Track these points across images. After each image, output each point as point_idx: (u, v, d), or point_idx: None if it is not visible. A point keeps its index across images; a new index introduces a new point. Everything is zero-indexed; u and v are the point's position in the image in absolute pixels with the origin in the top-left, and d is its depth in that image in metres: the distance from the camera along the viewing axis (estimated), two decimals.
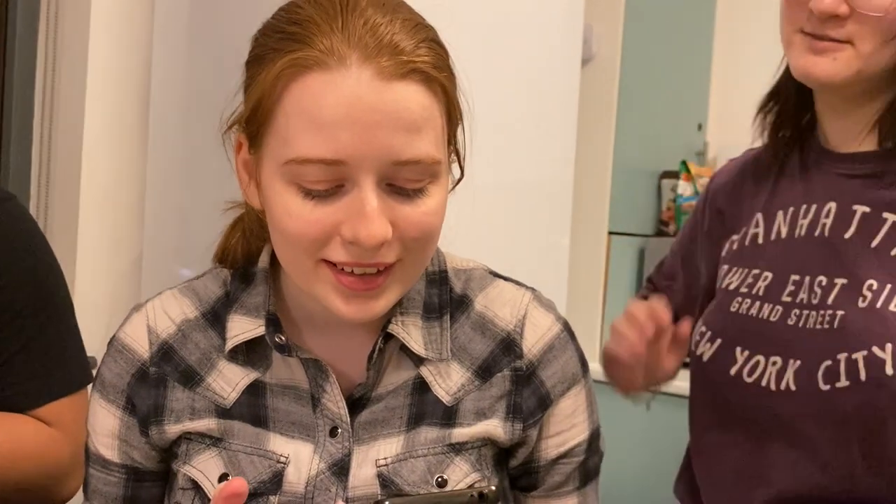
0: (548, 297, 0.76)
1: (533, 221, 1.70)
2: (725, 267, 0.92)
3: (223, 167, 1.58)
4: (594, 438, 0.75)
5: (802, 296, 0.82)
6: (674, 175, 2.25)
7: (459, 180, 0.68)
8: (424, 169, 0.60)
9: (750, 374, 0.83)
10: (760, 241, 0.90)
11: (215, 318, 0.71)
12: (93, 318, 1.54)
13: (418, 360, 0.70)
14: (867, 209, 0.81)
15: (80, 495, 0.79)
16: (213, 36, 1.57)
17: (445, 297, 0.72)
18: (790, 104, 0.88)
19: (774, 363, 0.81)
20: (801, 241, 0.85)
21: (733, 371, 0.84)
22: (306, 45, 0.58)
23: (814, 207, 0.85)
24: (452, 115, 0.64)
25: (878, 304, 0.77)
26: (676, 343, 0.91)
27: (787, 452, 0.81)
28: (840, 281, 0.80)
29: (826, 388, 0.77)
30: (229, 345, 0.69)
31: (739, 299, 0.87)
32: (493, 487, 0.61)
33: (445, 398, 0.69)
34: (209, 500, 0.67)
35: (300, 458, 0.68)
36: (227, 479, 0.67)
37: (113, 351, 0.72)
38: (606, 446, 0.78)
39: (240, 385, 0.69)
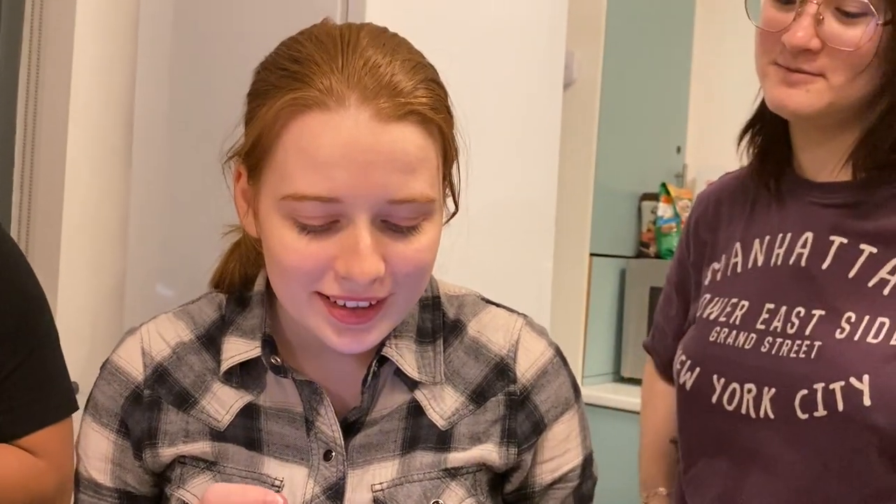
0: (539, 323, 0.77)
1: (516, 243, 1.71)
2: (707, 296, 0.93)
3: (207, 191, 1.59)
4: (588, 463, 0.76)
5: (777, 324, 0.83)
6: (654, 197, 2.28)
7: (454, 214, 0.69)
8: (418, 208, 0.61)
9: (729, 401, 0.84)
10: (739, 269, 0.90)
11: (210, 341, 0.71)
12: (75, 343, 1.53)
13: (412, 384, 0.70)
14: (844, 240, 0.82)
15: None
16: (197, 60, 1.58)
17: (439, 322, 0.72)
18: (768, 133, 0.89)
19: (749, 391, 0.82)
20: (776, 270, 0.86)
21: (714, 399, 0.85)
22: (306, 84, 0.59)
23: (789, 237, 0.86)
24: (448, 154, 0.65)
25: (857, 336, 0.78)
26: None
27: (768, 480, 0.82)
28: (818, 312, 0.81)
29: (804, 416, 0.78)
30: (225, 366, 0.69)
31: (718, 328, 0.88)
32: None
33: (440, 422, 0.70)
34: None
35: (294, 482, 0.68)
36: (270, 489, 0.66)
37: (106, 374, 0.72)
38: (599, 471, 0.78)
39: (234, 407, 0.69)
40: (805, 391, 0.78)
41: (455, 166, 0.67)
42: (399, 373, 0.69)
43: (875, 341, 0.77)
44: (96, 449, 0.71)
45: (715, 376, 0.85)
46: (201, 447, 0.69)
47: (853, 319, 0.79)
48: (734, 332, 0.86)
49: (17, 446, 0.89)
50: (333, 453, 0.68)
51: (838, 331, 0.79)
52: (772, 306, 0.84)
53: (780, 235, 0.87)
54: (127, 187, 1.72)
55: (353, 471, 0.68)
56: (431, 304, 0.73)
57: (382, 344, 0.69)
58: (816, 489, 0.79)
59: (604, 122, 2.14)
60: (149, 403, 0.70)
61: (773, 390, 0.80)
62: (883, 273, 0.79)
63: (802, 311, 0.82)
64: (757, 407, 0.81)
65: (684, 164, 2.48)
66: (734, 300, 0.89)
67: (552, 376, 0.74)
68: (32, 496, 0.88)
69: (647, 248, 2.30)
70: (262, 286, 0.72)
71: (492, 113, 1.60)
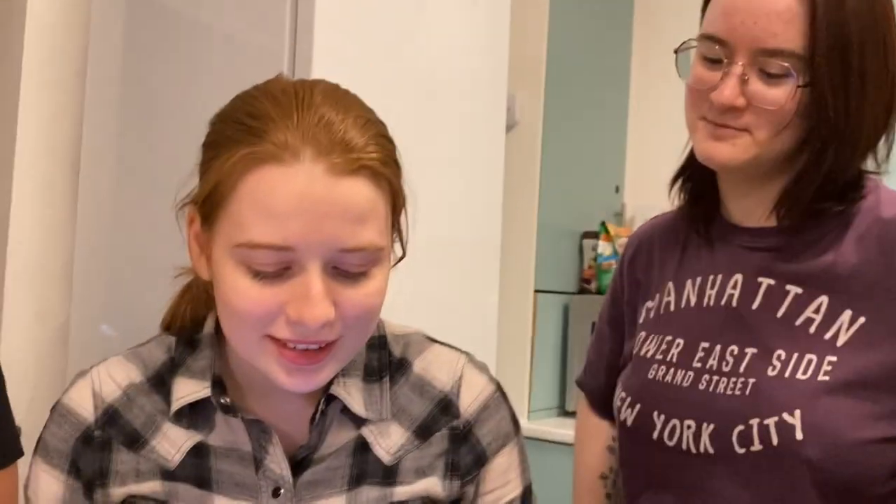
0: (481, 360, 0.80)
1: (463, 280, 1.74)
2: (643, 334, 0.95)
3: (152, 234, 1.59)
4: (527, 494, 0.79)
5: (712, 362, 0.86)
6: (594, 235, 2.34)
7: (401, 258, 0.72)
8: (368, 255, 0.63)
9: (670, 437, 0.86)
10: (672, 308, 0.93)
11: (160, 382, 0.73)
12: (19, 386, 1.50)
13: (359, 422, 0.72)
14: (771, 281, 0.85)
15: None
16: (144, 107, 1.59)
17: (385, 361, 0.75)
18: (697, 180, 0.93)
19: (689, 426, 0.84)
20: (709, 311, 0.89)
21: (655, 435, 0.87)
22: (262, 138, 0.61)
23: (720, 278, 0.89)
24: (397, 203, 0.68)
25: (787, 373, 0.81)
26: None
27: None
28: (750, 350, 0.84)
29: (742, 451, 0.80)
30: (175, 406, 0.71)
31: (655, 366, 0.91)
32: None
33: (385, 457, 0.72)
34: None
35: None
36: None
37: (56, 416, 0.73)
38: (538, 502, 0.81)
39: (184, 447, 0.70)
40: (742, 427, 0.80)
41: (403, 213, 0.70)
42: (346, 411, 0.72)
43: (804, 377, 0.80)
44: (47, 490, 0.72)
45: (655, 413, 0.88)
46: (152, 486, 0.70)
47: (783, 357, 0.82)
48: (672, 370, 0.89)
49: None
50: (282, 490, 0.70)
51: (770, 368, 0.82)
52: (706, 345, 0.87)
53: (712, 277, 0.90)
54: (72, 231, 1.70)
55: None
56: (378, 343, 0.76)
57: (330, 383, 0.71)
58: None
59: (546, 163, 2.19)
60: (100, 444, 0.71)
61: (712, 426, 0.82)
62: (808, 312, 0.82)
63: (736, 349, 0.85)
64: (697, 442, 0.83)
65: (623, 203, 2.54)
66: (669, 338, 0.91)
67: (493, 411, 0.77)
68: None
69: (589, 284, 2.35)
70: (212, 328, 0.73)
71: (437, 155, 1.64)
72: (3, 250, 1.64)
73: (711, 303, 0.89)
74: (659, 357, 0.91)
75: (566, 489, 1.93)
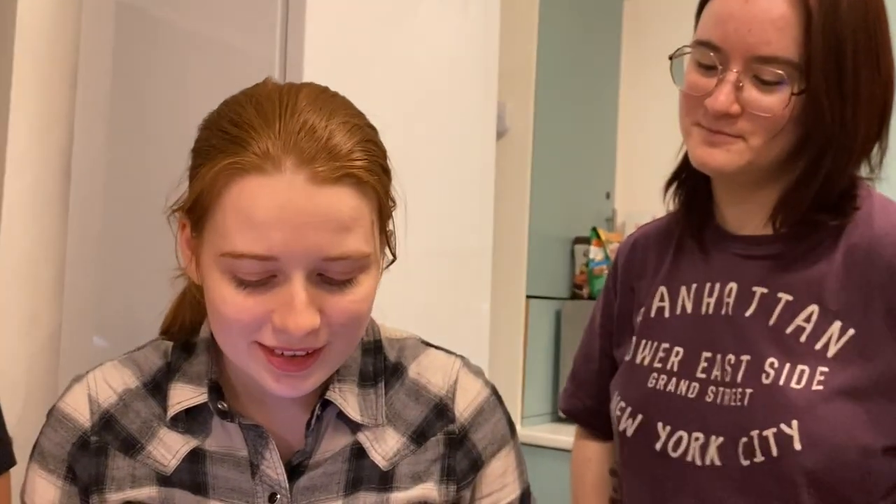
0: (476, 364, 0.80)
1: (454, 287, 1.74)
2: (635, 339, 0.95)
3: (143, 243, 1.58)
4: (525, 497, 0.79)
5: (716, 373, 0.85)
6: (585, 241, 2.35)
7: (392, 262, 0.71)
8: (353, 263, 0.63)
9: (674, 449, 0.85)
10: (666, 314, 0.92)
11: (156, 387, 0.73)
12: (10, 396, 1.49)
13: (355, 427, 0.72)
14: (765, 290, 0.85)
15: None
16: (135, 114, 1.59)
17: (380, 366, 0.75)
18: (691, 186, 0.93)
19: (697, 439, 0.84)
20: (708, 319, 0.88)
21: (658, 446, 0.86)
22: (244, 148, 0.61)
23: (717, 286, 0.89)
24: (384, 209, 0.67)
25: (781, 382, 0.81)
26: None
27: None
28: (745, 358, 0.84)
29: (746, 463, 0.80)
30: (171, 412, 0.71)
31: (655, 375, 0.90)
32: None
33: (382, 463, 0.72)
34: None
35: None
36: None
37: (53, 421, 0.73)
38: None
39: (180, 452, 0.70)
40: (745, 438, 0.81)
41: (392, 218, 0.69)
42: (342, 416, 0.72)
43: (798, 387, 0.80)
44: (43, 495, 0.72)
45: (660, 424, 0.87)
46: (148, 492, 0.70)
47: (776, 365, 0.82)
48: (674, 380, 0.88)
49: None
50: (278, 496, 0.70)
51: (763, 375, 0.82)
52: (709, 355, 0.87)
53: (709, 285, 0.90)
54: (63, 239, 1.70)
55: None
56: (373, 348, 0.76)
57: (326, 388, 0.71)
58: None
59: (536, 170, 2.21)
60: (96, 450, 0.71)
61: (721, 439, 0.82)
62: (799, 321, 0.83)
63: (733, 358, 0.85)
64: (703, 455, 0.83)
65: (613, 208, 2.56)
66: (665, 345, 0.91)
67: (489, 414, 0.77)
68: None
69: (581, 289, 2.36)
70: (208, 332, 0.73)
71: (428, 162, 1.64)
72: None
73: (710, 311, 0.89)
74: (658, 365, 0.90)
75: (560, 495, 1.93)
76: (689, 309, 0.91)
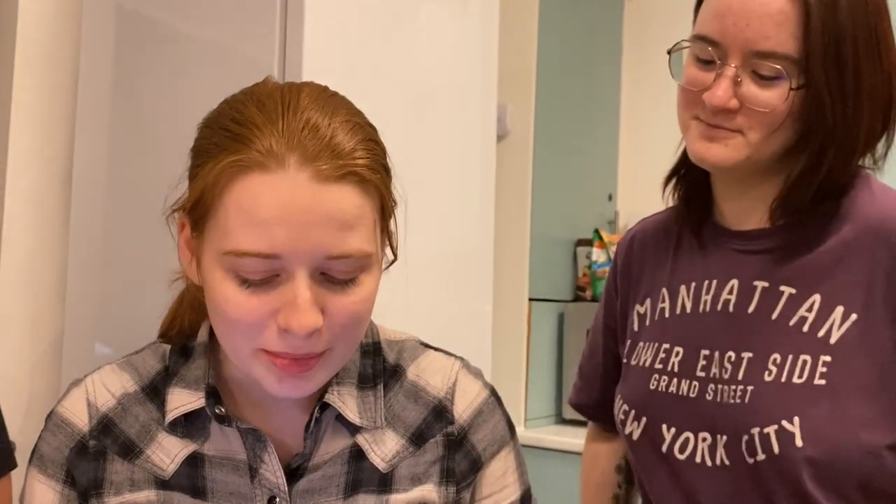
0: (475, 366, 0.80)
1: (457, 290, 1.74)
2: (639, 343, 0.94)
3: (145, 248, 1.59)
4: (526, 498, 0.78)
5: (715, 370, 0.85)
6: (588, 243, 2.35)
7: (393, 262, 0.71)
8: (355, 262, 0.63)
9: (681, 450, 0.85)
10: (667, 315, 0.92)
11: (154, 391, 0.73)
12: (13, 401, 1.49)
13: (354, 429, 0.72)
14: (766, 284, 0.85)
15: None
16: (136, 118, 1.59)
17: (379, 368, 0.75)
18: (691, 181, 0.93)
19: (704, 439, 0.83)
20: (706, 316, 0.88)
21: (664, 448, 0.86)
22: (247, 146, 0.61)
23: (715, 283, 0.89)
24: (386, 208, 0.67)
25: (783, 378, 0.80)
26: None
27: None
28: (747, 355, 0.83)
29: (751, 461, 0.80)
30: (170, 417, 0.70)
31: (657, 376, 0.89)
32: None
33: (381, 465, 0.72)
34: None
35: None
36: None
37: (51, 425, 0.73)
38: None
39: (179, 456, 0.70)
40: (747, 436, 0.80)
41: (394, 218, 0.69)
42: (340, 418, 0.71)
43: (800, 381, 0.79)
44: (42, 500, 0.72)
45: (664, 426, 0.87)
46: (146, 496, 0.70)
47: (779, 361, 0.81)
48: (675, 380, 0.88)
49: None
50: (277, 499, 0.69)
51: (766, 373, 0.81)
52: (707, 352, 0.86)
53: (707, 282, 0.89)
54: (65, 244, 1.70)
55: None
56: (372, 349, 0.76)
57: (325, 390, 0.71)
58: None
59: (537, 172, 2.21)
60: (94, 454, 0.71)
61: (726, 437, 0.82)
62: (801, 311, 0.82)
63: (733, 355, 0.84)
64: (713, 455, 0.82)
65: (616, 210, 2.56)
66: (666, 346, 0.90)
67: (488, 415, 0.76)
68: None
69: (584, 291, 2.36)
70: (205, 337, 0.73)
71: (429, 165, 1.64)
72: None
73: (707, 308, 0.88)
74: (659, 367, 0.90)
75: (564, 497, 1.93)
76: (688, 308, 0.91)
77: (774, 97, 0.79)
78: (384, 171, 0.66)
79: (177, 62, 1.53)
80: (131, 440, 0.71)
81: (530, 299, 2.20)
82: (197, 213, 0.64)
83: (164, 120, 1.53)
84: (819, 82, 0.79)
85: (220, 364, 0.73)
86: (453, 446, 0.74)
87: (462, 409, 0.75)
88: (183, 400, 0.71)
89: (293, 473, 0.71)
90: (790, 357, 0.81)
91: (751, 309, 0.85)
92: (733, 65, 0.80)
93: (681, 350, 0.89)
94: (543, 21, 2.21)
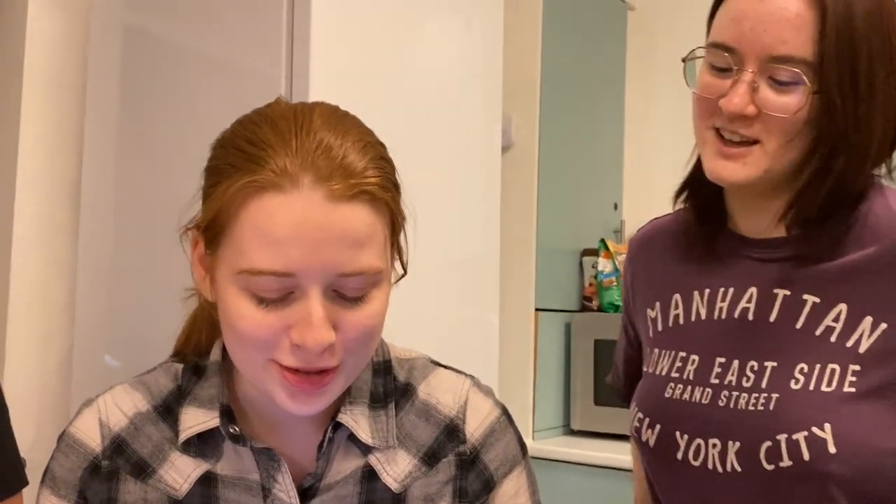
0: (486, 384, 0.80)
1: (463, 301, 1.74)
2: (655, 350, 0.93)
3: (153, 263, 1.59)
4: None
5: (730, 378, 0.84)
6: (594, 252, 2.34)
7: (402, 276, 0.72)
8: (367, 279, 0.64)
9: (695, 457, 0.84)
10: (682, 322, 0.91)
11: (167, 410, 0.73)
12: (23, 418, 1.50)
13: (366, 449, 0.72)
14: (787, 292, 0.83)
15: None
16: (143, 135, 1.60)
17: (390, 387, 0.75)
18: (703, 195, 0.92)
19: (714, 445, 0.82)
20: (722, 324, 0.87)
21: (679, 455, 0.85)
22: (262, 166, 0.62)
23: (731, 291, 0.87)
24: (396, 225, 0.68)
25: (811, 386, 0.79)
26: None
27: None
28: (770, 364, 0.82)
29: (770, 467, 0.79)
30: (183, 436, 0.71)
31: (672, 385, 0.89)
32: None
33: (394, 485, 0.72)
34: None
35: None
36: None
37: (63, 446, 0.73)
38: None
39: (192, 476, 0.70)
40: (769, 443, 0.79)
41: (402, 233, 0.70)
42: (353, 438, 0.72)
43: (829, 389, 0.78)
44: None
45: (678, 433, 0.86)
46: None
47: (806, 370, 0.80)
48: (689, 388, 0.87)
49: None
50: None
51: (793, 381, 0.80)
52: (723, 360, 0.85)
53: (722, 290, 0.88)
54: (74, 261, 1.71)
55: None
56: (383, 368, 0.76)
57: (337, 409, 0.71)
58: None
59: (543, 183, 2.21)
60: (107, 474, 0.71)
61: (738, 444, 0.81)
62: (828, 321, 0.81)
63: (756, 364, 0.83)
64: (723, 461, 0.82)
65: (622, 220, 2.55)
66: (682, 354, 0.90)
67: (500, 434, 0.77)
68: None
69: (591, 301, 2.36)
70: (218, 356, 0.73)
71: (434, 177, 1.65)
72: (5, 282, 1.65)
73: (724, 316, 0.87)
74: (675, 375, 0.89)
75: None
76: (703, 315, 0.90)
77: (792, 102, 0.78)
78: (394, 187, 0.67)
79: (184, 79, 1.54)
80: (144, 460, 0.71)
81: (537, 310, 2.20)
82: (212, 231, 0.65)
83: (171, 137, 1.54)
84: (832, 85, 0.78)
85: (233, 383, 0.73)
86: (466, 466, 0.74)
87: (474, 429, 0.76)
88: (197, 419, 0.71)
89: (305, 494, 0.71)
90: (818, 366, 0.80)
91: (772, 317, 0.84)
92: (750, 70, 0.79)
93: (696, 358, 0.88)
94: (547, 32, 2.22)
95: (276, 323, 0.63)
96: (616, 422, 2.16)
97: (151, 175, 1.57)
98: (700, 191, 0.92)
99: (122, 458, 0.71)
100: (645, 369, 0.96)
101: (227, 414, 0.70)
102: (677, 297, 0.92)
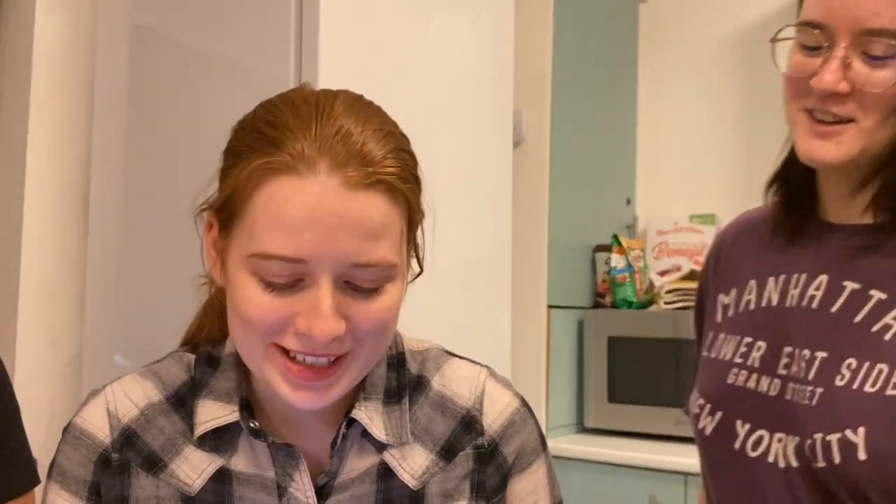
0: (503, 375, 0.78)
1: (475, 298, 1.73)
2: (721, 335, 0.90)
3: (163, 262, 1.59)
4: None
5: (795, 368, 0.81)
6: (606, 248, 2.33)
7: (419, 274, 0.70)
8: (380, 272, 0.62)
9: (754, 448, 0.81)
10: (752, 307, 0.88)
11: (180, 402, 0.71)
12: (33, 417, 1.50)
13: (381, 446, 0.70)
14: (856, 286, 0.81)
15: None
16: (152, 133, 1.60)
17: (403, 380, 0.73)
18: (794, 184, 0.89)
19: (780, 440, 0.80)
20: (791, 312, 0.84)
21: (737, 445, 0.82)
22: (279, 148, 0.61)
23: (804, 277, 0.85)
24: (413, 220, 0.66)
25: (855, 384, 0.76)
26: None
27: None
28: (820, 355, 0.80)
29: (816, 465, 0.76)
30: (200, 430, 0.69)
31: (735, 370, 0.86)
32: None
33: (411, 482, 0.70)
34: None
35: None
36: None
37: (70, 438, 0.70)
38: None
39: (206, 472, 0.68)
40: (809, 440, 0.77)
41: (420, 229, 0.68)
42: (367, 434, 0.70)
43: (872, 390, 0.75)
44: None
45: (739, 421, 0.83)
46: None
47: (853, 366, 0.77)
48: (755, 376, 0.84)
49: None
50: None
51: (838, 377, 0.78)
52: (790, 349, 0.83)
53: (796, 276, 0.85)
54: (83, 260, 1.71)
55: None
56: (396, 361, 0.74)
57: (351, 405, 0.69)
58: None
59: (554, 178, 2.19)
60: (118, 468, 0.69)
61: (797, 438, 0.78)
62: (887, 319, 0.78)
63: (808, 353, 0.81)
64: (785, 455, 0.79)
65: (635, 215, 2.54)
66: (748, 339, 0.86)
67: (519, 427, 0.75)
68: None
69: (603, 298, 2.34)
70: (234, 347, 0.71)
71: (445, 173, 1.64)
72: (16, 281, 1.65)
73: (794, 303, 0.84)
74: (738, 360, 0.86)
75: None
76: (774, 301, 0.86)
77: (888, 77, 0.75)
78: (414, 181, 0.65)
79: (192, 78, 1.53)
80: (155, 453, 0.69)
81: (549, 306, 2.18)
82: (225, 213, 0.64)
83: (179, 135, 1.53)
84: None
85: (250, 376, 0.71)
86: (484, 459, 0.73)
87: (492, 420, 0.74)
88: (214, 413, 0.69)
89: (319, 492, 0.69)
90: (866, 364, 0.77)
91: (834, 308, 0.81)
92: (842, 46, 0.76)
93: (763, 345, 0.85)
94: (558, 26, 2.21)
95: (282, 308, 0.61)
96: (630, 419, 2.15)
97: (160, 173, 1.57)
98: (791, 178, 0.89)
99: (133, 451, 0.69)
100: (704, 354, 0.91)
101: (247, 408, 0.69)
102: (753, 283, 0.89)
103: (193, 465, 0.69)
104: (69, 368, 1.70)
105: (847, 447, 0.75)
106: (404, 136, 0.66)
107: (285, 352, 0.62)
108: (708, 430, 0.86)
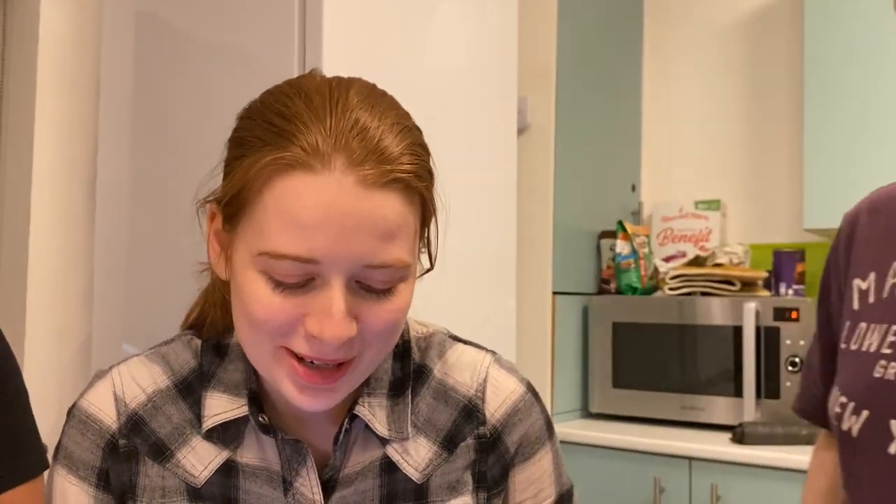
0: (508, 360, 0.76)
1: (480, 285, 1.74)
2: (862, 324, 0.81)
3: (169, 252, 1.59)
4: (565, 500, 0.75)
5: None
6: (611, 234, 2.33)
7: (428, 270, 0.68)
8: (394, 273, 0.60)
9: None
10: None
11: (188, 389, 0.69)
12: (42, 406, 1.51)
13: (384, 440, 0.69)
14: None
15: None
16: (158, 123, 1.60)
17: (408, 370, 0.72)
18: None
19: None
20: None
21: (892, 450, 0.73)
22: (292, 142, 0.57)
23: None
24: (427, 216, 0.64)
25: None
26: None
27: None
28: None
29: None
30: (208, 424, 0.67)
31: (884, 363, 0.76)
32: None
33: (415, 475, 0.69)
34: None
35: None
36: None
37: (76, 422, 0.68)
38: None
39: (213, 464, 0.67)
40: None
41: (434, 223, 0.66)
42: (370, 427, 0.69)
43: None
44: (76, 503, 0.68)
45: (893, 421, 0.74)
46: None
47: None
48: None
49: None
50: None
51: None
52: None
53: None
54: (91, 250, 1.72)
55: None
56: (401, 351, 0.72)
57: (355, 401, 0.68)
58: None
59: (559, 165, 2.18)
60: (126, 454, 0.68)
61: None
62: None
63: None
64: None
65: (639, 201, 2.53)
66: (895, 327, 0.77)
67: (524, 414, 0.73)
68: None
69: (608, 284, 2.34)
70: None
71: (450, 160, 1.63)
72: (24, 273, 1.66)
73: None
74: (887, 351, 0.76)
75: (591, 492, 1.91)
76: None
77: None
78: (429, 175, 0.63)
79: (197, 67, 1.53)
80: (162, 441, 0.68)
81: (554, 293, 2.18)
82: (232, 207, 0.61)
83: (185, 126, 1.54)
84: None
85: (254, 368, 0.70)
86: (485, 449, 0.71)
87: (494, 408, 0.72)
88: (223, 406, 0.67)
89: (324, 486, 0.68)
90: None
91: None
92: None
93: None
94: (563, 11, 2.19)
95: (292, 309, 0.59)
96: (634, 404, 2.16)
97: (167, 164, 1.57)
98: None
99: (140, 438, 0.67)
100: (843, 346, 0.83)
101: (256, 402, 0.67)
102: (895, 265, 0.80)
103: (200, 456, 0.67)
104: (78, 357, 1.71)
105: None
106: (418, 129, 0.64)
107: (294, 353, 0.61)
108: (854, 431, 0.77)
